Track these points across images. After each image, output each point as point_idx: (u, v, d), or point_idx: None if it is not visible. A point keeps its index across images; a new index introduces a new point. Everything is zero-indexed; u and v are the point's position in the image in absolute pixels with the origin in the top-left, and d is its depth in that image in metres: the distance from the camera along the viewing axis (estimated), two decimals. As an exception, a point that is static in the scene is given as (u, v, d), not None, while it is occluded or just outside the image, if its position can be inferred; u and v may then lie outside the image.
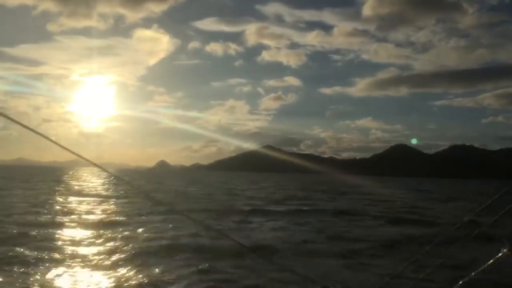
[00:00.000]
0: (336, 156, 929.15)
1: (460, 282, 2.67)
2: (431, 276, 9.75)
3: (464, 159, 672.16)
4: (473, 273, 2.59)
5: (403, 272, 3.68)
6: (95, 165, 3.23)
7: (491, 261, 2.44)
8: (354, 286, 11.19)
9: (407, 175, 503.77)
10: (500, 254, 2.36)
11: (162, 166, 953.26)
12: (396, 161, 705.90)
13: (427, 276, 3.49)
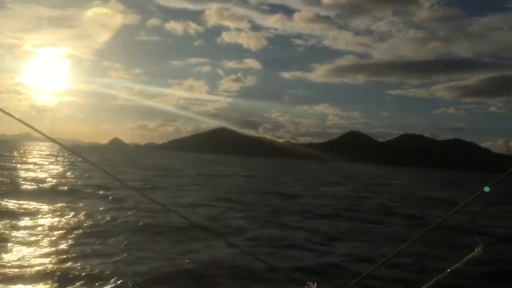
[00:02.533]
0: (293, 141, 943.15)
1: (434, 279, 2.68)
2: (405, 274, 9.58)
3: (413, 148, 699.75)
4: (448, 270, 2.62)
5: (375, 270, 3.70)
6: (53, 140, 2.98)
7: (465, 259, 2.45)
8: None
9: (359, 161, 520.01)
10: (474, 253, 2.39)
11: (116, 143, 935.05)
12: (350, 148, 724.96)
13: (400, 274, 3.70)
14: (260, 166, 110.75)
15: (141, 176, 44.67)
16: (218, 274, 11.18)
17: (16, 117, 2.64)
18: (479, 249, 2.37)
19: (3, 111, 2.48)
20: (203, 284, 10.46)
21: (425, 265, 11.09)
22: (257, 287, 10.44)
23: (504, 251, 15.57)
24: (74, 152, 3.79)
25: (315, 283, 3.23)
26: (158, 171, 56.58)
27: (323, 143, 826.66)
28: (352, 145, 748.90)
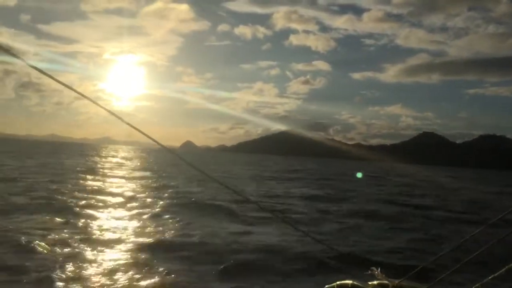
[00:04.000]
0: (364, 143, 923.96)
1: (506, 268, 2.46)
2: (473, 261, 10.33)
3: (494, 149, 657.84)
4: (503, 269, 2.46)
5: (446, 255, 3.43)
6: (158, 143, 3.00)
7: None
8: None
9: (435, 164, 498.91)
10: None
11: (188, 146, 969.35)
12: (423, 149, 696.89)
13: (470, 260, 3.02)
14: (314, 167, 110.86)
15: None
16: (283, 259, 11.60)
17: (126, 121, 2.76)
18: None
19: (116, 116, 2.74)
20: (269, 269, 10.80)
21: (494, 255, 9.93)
22: (321, 272, 10.51)
23: None
24: (182, 158, 3.67)
25: (379, 268, 3.09)
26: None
27: (394, 144, 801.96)
28: (426, 147, 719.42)
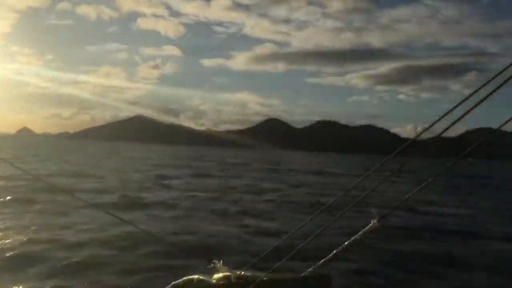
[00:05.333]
0: (214, 128, 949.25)
1: (334, 252, 2.74)
2: (309, 246, 9.18)
3: (328, 134, 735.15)
4: (345, 243, 2.71)
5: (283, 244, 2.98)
6: None
7: (361, 232, 2.55)
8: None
9: (279, 148, 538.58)
10: (370, 225, 2.49)
11: (24, 133, 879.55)
12: (267, 134, 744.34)
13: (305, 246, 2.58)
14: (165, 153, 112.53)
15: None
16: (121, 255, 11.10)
17: None
18: (374, 222, 2.47)
19: None
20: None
21: (323, 241, 10.83)
22: (163, 263, 10.23)
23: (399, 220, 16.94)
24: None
25: (221, 261, 3.03)
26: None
27: (242, 130, 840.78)
28: (270, 132, 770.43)
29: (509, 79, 1.95)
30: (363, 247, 11.74)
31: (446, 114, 2.25)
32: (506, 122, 2.18)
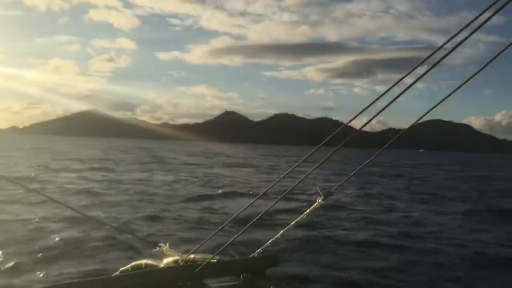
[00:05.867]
0: (172, 122, 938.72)
1: (281, 231, 2.77)
2: (259, 229, 10.20)
3: (285, 126, 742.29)
4: (292, 222, 2.76)
5: (229, 227, 3.35)
6: None
7: (308, 211, 2.61)
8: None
9: (236, 141, 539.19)
10: (315, 204, 2.57)
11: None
12: (226, 128, 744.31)
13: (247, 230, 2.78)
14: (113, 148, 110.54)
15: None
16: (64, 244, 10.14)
17: None
18: (319, 200, 2.54)
19: None
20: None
21: (270, 222, 11.87)
22: (107, 251, 9.65)
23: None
24: None
25: (167, 244, 3.04)
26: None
27: (199, 123, 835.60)
28: (227, 125, 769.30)
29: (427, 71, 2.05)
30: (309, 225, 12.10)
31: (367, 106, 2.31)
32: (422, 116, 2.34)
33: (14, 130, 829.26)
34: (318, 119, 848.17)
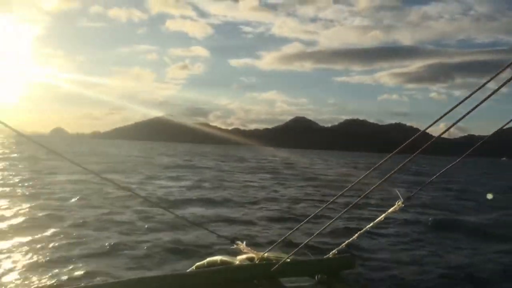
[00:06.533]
0: (242, 127, 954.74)
1: (358, 233, 2.70)
2: (334, 230, 10.16)
3: (356, 132, 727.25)
4: (370, 224, 2.71)
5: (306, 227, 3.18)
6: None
7: (386, 213, 2.55)
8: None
9: (305, 147, 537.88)
10: (394, 207, 2.49)
11: (58, 133, 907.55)
12: (296, 133, 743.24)
13: (323, 231, 2.71)
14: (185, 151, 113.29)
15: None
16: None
17: None
18: (399, 203, 2.47)
19: None
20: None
21: (348, 224, 11.79)
22: (187, 246, 9.75)
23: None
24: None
25: (244, 242, 3.01)
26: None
27: (269, 129, 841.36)
28: (297, 131, 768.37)
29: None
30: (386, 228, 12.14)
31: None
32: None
33: (96, 135, 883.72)
34: (391, 125, 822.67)
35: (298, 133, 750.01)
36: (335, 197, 2.93)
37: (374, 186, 2.54)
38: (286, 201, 19.00)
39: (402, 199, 2.52)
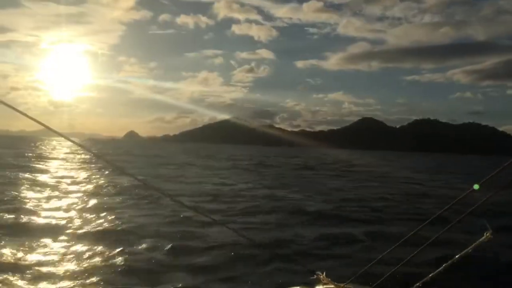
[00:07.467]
0: (310, 129, 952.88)
1: (444, 265, 2.51)
2: (414, 259, 5.03)
3: (427, 133, 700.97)
4: (456, 257, 2.49)
5: (388, 255, 2.96)
6: (66, 138, 2.73)
7: (474, 245, 2.33)
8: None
9: (373, 148, 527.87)
10: (483, 238, 2.29)
11: (131, 136, 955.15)
12: (364, 134, 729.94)
13: (411, 259, 2.76)
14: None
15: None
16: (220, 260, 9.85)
17: (29, 115, 2.33)
18: (487, 234, 2.26)
19: (17, 110, 2.27)
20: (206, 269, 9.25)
21: (432, 256, 9.80)
22: (263, 275, 9.06)
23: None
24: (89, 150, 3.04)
25: (324, 273, 2.91)
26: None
27: (336, 130, 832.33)
28: (365, 132, 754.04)
29: None
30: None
31: None
32: None
33: (166, 138, 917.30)
34: (465, 124, 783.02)
35: (366, 134, 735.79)
36: (430, 218, 2.71)
37: (484, 199, 2.32)
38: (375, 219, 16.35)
39: (490, 230, 2.32)
